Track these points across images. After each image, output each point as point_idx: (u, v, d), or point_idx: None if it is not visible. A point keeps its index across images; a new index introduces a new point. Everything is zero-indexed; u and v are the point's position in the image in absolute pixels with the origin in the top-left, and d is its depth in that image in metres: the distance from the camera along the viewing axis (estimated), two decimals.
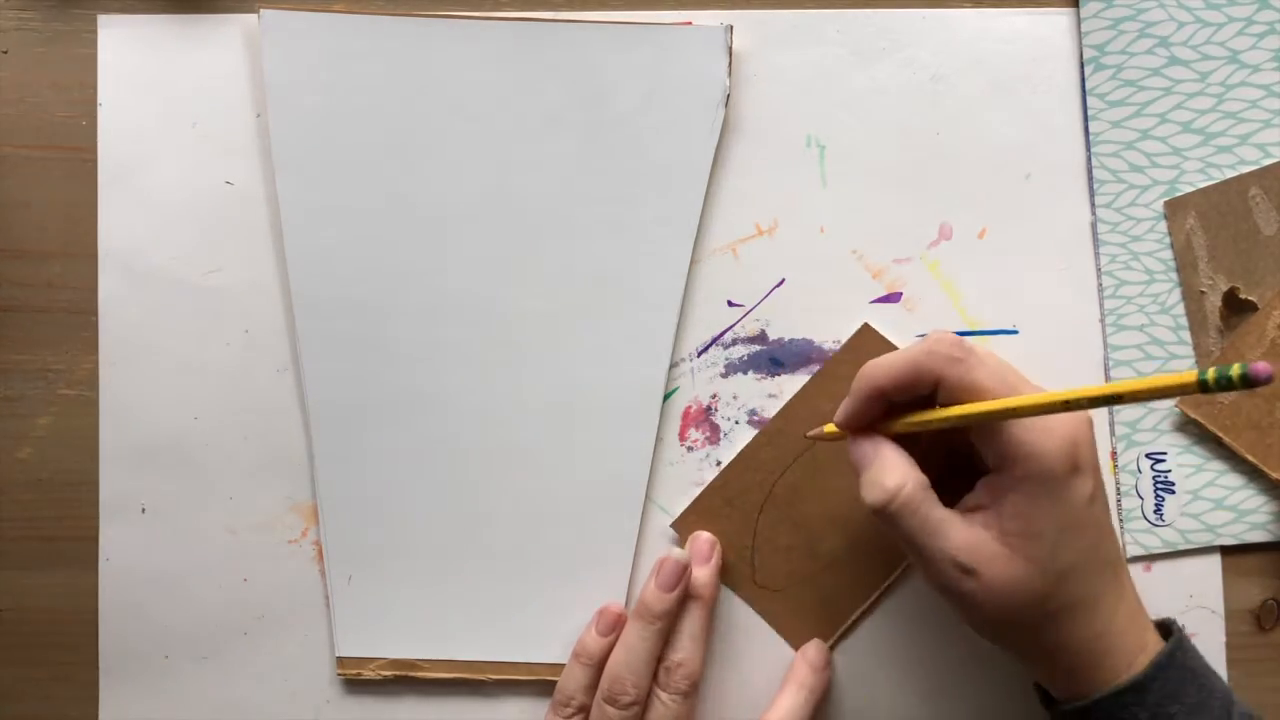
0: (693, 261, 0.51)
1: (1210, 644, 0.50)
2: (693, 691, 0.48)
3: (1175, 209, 0.50)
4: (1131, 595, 0.42)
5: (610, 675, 0.47)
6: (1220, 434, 0.49)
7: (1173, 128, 0.50)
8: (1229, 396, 0.49)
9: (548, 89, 0.50)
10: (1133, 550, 0.50)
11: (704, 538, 0.50)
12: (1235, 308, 0.50)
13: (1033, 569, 0.39)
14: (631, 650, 0.47)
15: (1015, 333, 0.51)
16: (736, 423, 0.51)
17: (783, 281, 0.51)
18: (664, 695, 0.47)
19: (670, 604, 0.48)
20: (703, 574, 0.49)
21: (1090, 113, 0.51)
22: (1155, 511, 0.50)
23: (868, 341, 0.50)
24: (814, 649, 0.50)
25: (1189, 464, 0.50)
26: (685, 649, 0.48)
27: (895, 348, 0.50)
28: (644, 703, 0.47)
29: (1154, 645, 0.42)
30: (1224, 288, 0.50)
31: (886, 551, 0.50)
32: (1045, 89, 0.51)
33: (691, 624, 0.48)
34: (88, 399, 0.52)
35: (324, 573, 0.52)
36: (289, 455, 0.52)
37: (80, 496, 0.52)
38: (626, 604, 0.51)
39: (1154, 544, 0.50)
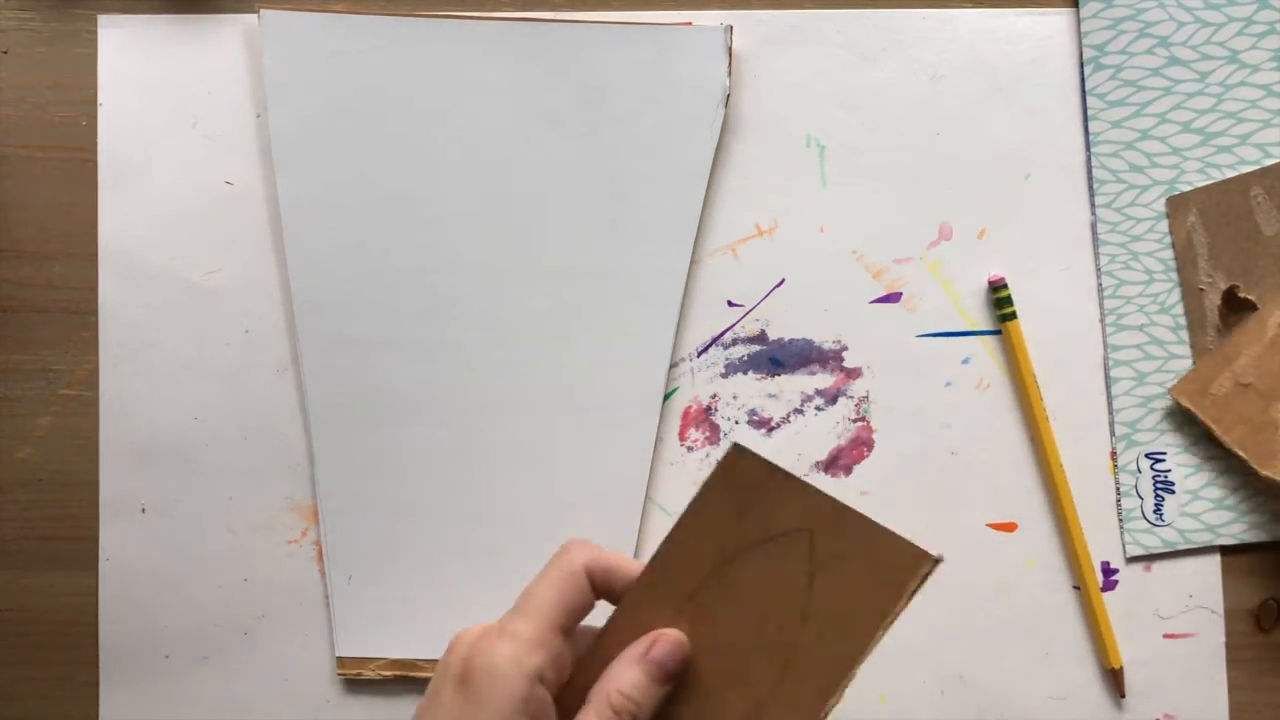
0: (693, 261, 0.51)
1: (1210, 644, 0.50)
2: None
3: (1177, 206, 0.50)
4: None
5: None
6: (1211, 425, 0.49)
7: (1172, 128, 0.50)
8: (1223, 387, 0.49)
9: (548, 89, 0.50)
10: (1132, 550, 0.50)
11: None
12: (1235, 306, 0.50)
13: None
14: None
15: None
16: (736, 423, 0.51)
17: (783, 281, 0.51)
18: None
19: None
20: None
21: (1090, 113, 0.51)
22: (1155, 511, 0.50)
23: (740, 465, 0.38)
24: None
25: (1188, 464, 0.50)
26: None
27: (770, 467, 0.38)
28: None
29: None
30: (1223, 286, 0.50)
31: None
32: (1045, 89, 0.51)
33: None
34: (88, 399, 0.52)
35: (324, 573, 0.52)
36: (289, 455, 0.52)
37: (80, 496, 0.52)
38: None
39: (1154, 544, 0.50)
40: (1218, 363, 0.49)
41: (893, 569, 0.37)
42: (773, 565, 0.38)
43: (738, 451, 0.38)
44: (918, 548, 0.36)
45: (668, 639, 0.36)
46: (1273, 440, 0.48)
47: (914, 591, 0.37)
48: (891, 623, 0.37)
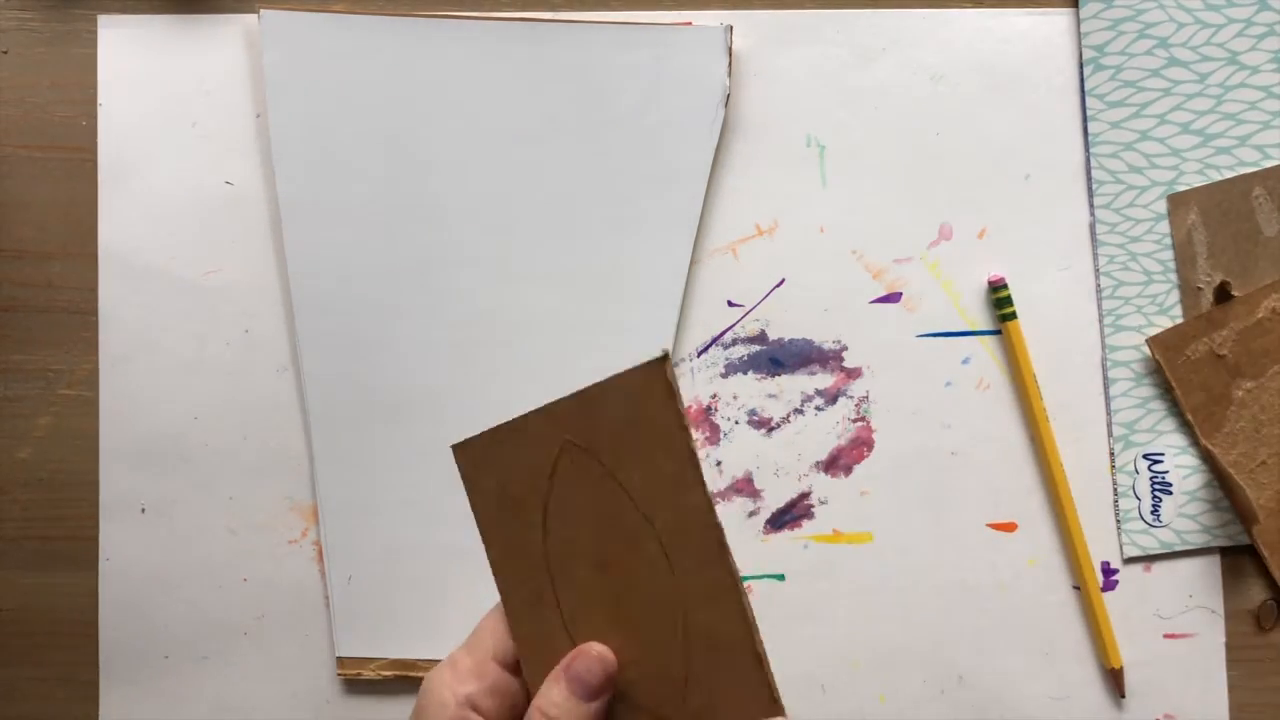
0: (693, 261, 0.51)
1: (1210, 644, 0.50)
2: None
3: (1177, 204, 0.50)
4: None
5: None
6: (1174, 384, 0.49)
7: (1172, 129, 0.50)
8: (1198, 351, 0.49)
9: (547, 89, 0.50)
10: (1130, 551, 0.50)
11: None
12: (1224, 302, 0.50)
13: None
14: None
15: None
16: (736, 423, 0.51)
17: (783, 281, 0.51)
18: None
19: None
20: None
21: (1089, 113, 0.51)
22: (1152, 512, 0.50)
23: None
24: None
25: (1186, 465, 0.50)
26: None
27: (489, 433, 0.39)
28: None
29: None
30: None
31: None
32: (1045, 89, 0.51)
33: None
34: (88, 399, 0.52)
35: (324, 573, 0.52)
36: (289, 455, 0.52)
37: (80, 496, 0.52)
38: None
39: (1151, 545, 0.50)
40: (1200, 327, 0.49)
41: (646, 392, 0.36)
42: (575, 498, 0.37)
43: (457, 450, 0.39)
44: (645, 363, 0.35)
45: (584, 654, 0.35)
46: (1224, 414, 0.49)
47: (677, 391, 0.36)
48: (690, 430, 0.35)
